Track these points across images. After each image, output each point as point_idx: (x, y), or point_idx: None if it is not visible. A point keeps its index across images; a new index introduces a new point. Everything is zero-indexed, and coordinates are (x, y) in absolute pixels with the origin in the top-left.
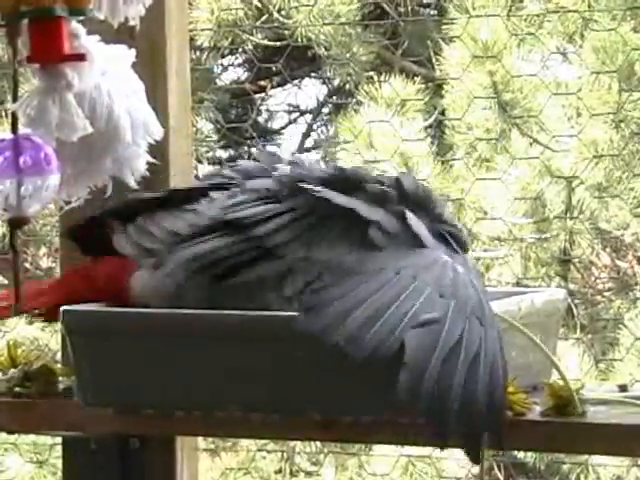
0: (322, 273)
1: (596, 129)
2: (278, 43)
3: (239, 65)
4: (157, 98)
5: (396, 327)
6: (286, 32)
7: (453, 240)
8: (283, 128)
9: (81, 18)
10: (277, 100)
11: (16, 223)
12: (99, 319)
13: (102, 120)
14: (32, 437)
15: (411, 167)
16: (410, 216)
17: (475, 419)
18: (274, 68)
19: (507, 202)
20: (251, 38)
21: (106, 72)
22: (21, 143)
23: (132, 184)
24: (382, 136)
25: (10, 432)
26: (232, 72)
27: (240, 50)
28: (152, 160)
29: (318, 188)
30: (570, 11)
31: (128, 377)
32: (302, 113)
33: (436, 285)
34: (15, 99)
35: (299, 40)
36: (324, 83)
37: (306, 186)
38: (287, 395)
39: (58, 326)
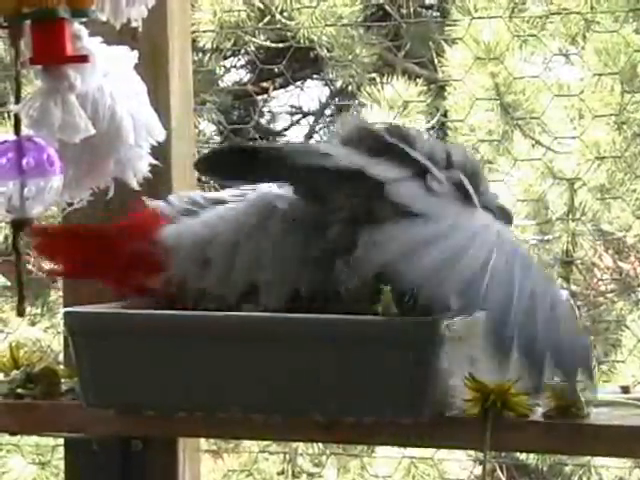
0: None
1: (598, 131)
2: (280, 45)
3: (241, 67)
4: (159, 100)
5: (476, 277)
6: (288, 34)
7: (500, 212)
8: (286, 130)
9: (83, 19)
10: (279, 102)
11: (19, 224)
12: (101, 320)
13: (105, 121)
14: (34, 438)
15: None
16: (463, 177)
17: (567, 357)
18: (276, 70)
19: (509, 204)
20: (253, 40)
21: (108, 73)
22: (24, 144)
23: (134, 186)
24: None
25: (12, 433)
26: (234, 74)
27: (242, 52)
28: (154, 162)
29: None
30: (572, 13)
31: (130, 378)
32: (304, 115)
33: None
34: (18, 100)
35: (301, 42)
36: (326, 85)
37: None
38: (289, 396)
39: (61, 327)
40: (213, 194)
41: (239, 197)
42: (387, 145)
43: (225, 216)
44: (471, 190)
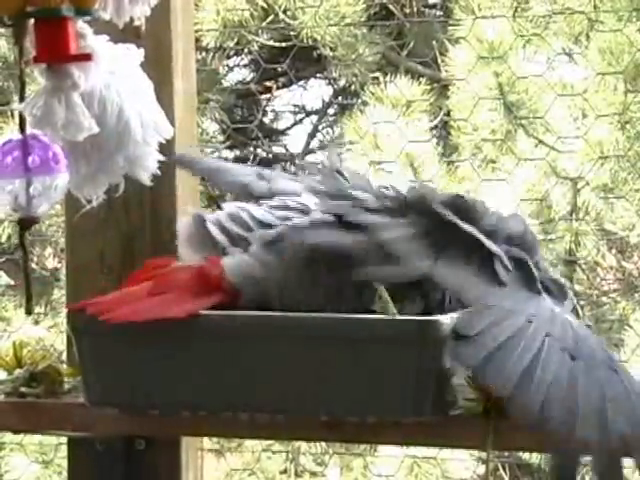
0: (446, 294)
1: (602, 130)
2: (284, 44)
3: (245, 66)
4: (163, 99)
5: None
6: (292, 33)
7: (556, 288)
8: (289, 129)
9: (87, 18)
10: (283, 101)
11: (26, 223)
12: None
13: (113, 118)
14: (38, 437)
15: (417, 168)
16: (528, 258)
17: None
18: (280, 69)
19: (513, 203)
20: (257, 39)
21: (114, 71)
22: (29, 143)
23: (146, 182)
24: (388, 137)
25: (16, 432)
26: (238, 73)
27: (246, 51)
28: (163, 158)
29: (445, 211)
30: (576, 12)
31: (133, 377)
32: (308, 114)
33: (562, 341)
34: (22, 99)
35: (305, 41)
36: (330, 84)
37: (433, 206)
38: (292, 396)
39: (64, 326)
40: (258, 212)
41: (282, 211)
42: (451, 226)
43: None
44: (535, 273)
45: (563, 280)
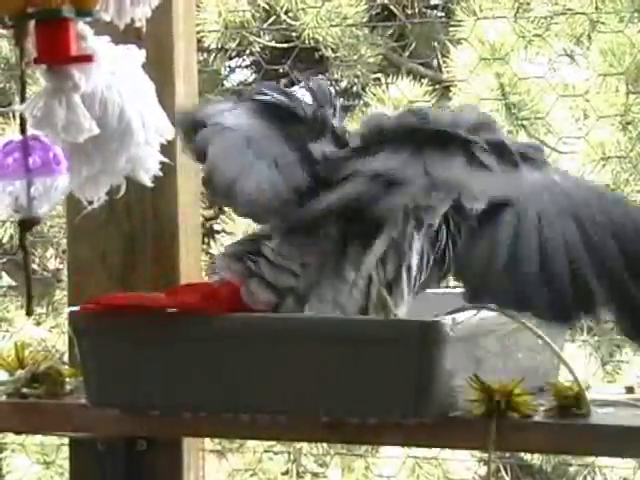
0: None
1: (603, 131)
2: (285, 45)
3: (246, 67)
4: (164, 100)
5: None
6: (293, 34)
7: (533, 153)
8: None
9: (88, 19)
10: None
11: (27, 224)
12: (106, 320)
13: (114, 119)
14: (39, 438)
15: None
16: (506, 136)
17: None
18: (281, 70)
19: None
20: (258, 40)
21: (115, 72)
22: (30, 144)
23: (147, 184)
24: None
25: (17, 433)
26: (239, 74)
27: (247, 52)
28: (165, 160)
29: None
30: (577, 13)
31: (135, 378)
32: None
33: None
34: (23, 100)
35: (306, 42)
36: (331, 85)
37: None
38: (294, 396)
39: (66, 327)
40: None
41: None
42: (421, 131)
43: None
44: (512, 147)
45: (536, 144)
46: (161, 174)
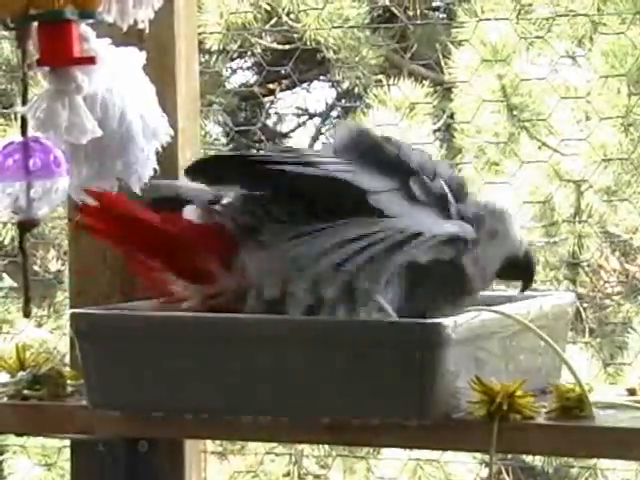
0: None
1: (605, 133)
2: (287, 46)
3: (248, 68)
4: (166, 101)
5: None
6: (295, 35)
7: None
8: (292, 131)
9: (91, 21)
10: (286, 103)
11: (26, 226)
12: (108, 321)
13: (115, 122)
14: (40, 440)
15: None
16: (446, 189)
17: None
18: (283, 71)
19: (516, 206)
20: (260, 41)
21: (117, 74)
22: (30, 146)
23: (137, 191)
24: None
25: (19, 435)
26: (241, 75)
27: (249, 53)
28: (157, 167)
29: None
30: (579, 15)
31: (136, 380)
32: (311, 116)
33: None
34: (25, 102)
35: (308, 43)
36: (333, 86)
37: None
38: (296, 398)
39: (67, 329)
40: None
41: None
42: (379, 151)
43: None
44: (452, 201)
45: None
46: (156, 177)
